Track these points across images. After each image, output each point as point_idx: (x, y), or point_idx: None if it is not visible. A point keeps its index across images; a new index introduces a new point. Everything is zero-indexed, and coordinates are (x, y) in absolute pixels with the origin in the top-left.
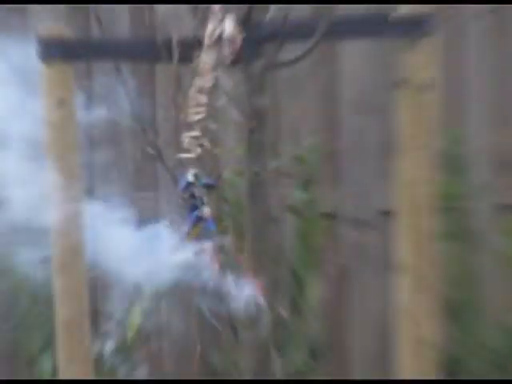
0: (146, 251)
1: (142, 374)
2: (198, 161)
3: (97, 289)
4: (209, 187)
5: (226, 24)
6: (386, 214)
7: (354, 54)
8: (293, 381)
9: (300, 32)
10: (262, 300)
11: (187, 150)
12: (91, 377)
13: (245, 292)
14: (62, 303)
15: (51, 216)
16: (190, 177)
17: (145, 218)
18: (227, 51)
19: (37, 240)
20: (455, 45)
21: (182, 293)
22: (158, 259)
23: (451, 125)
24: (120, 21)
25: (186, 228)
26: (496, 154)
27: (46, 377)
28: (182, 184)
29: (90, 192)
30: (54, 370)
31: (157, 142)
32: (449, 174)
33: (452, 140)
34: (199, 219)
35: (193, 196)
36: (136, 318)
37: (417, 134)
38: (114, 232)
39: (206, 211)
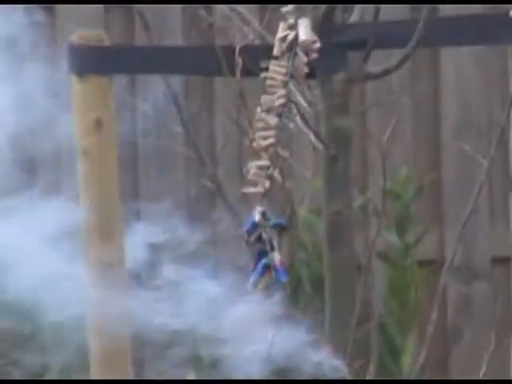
0: (201, 309)
1: None
2: (267, 196)
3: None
4: (280, 229)
5: (300, 28)
6: (501, 261)
7: (460, 64)
8: (295, 381)
9: (392, 37)
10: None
11: (253, 183)
12: None
13: (319, 358)
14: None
15: (86, 265)
16: (256, 216)
17: (201, 268)
18: (302, 61)
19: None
20: None
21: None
22: (216, 317)
23: None
24: (171, 25)
25: (251, 279)
26: None
27: None
28: (248, 225)
29: (133, 237)
30: None
31: (216, 172)
32: None
33: None
34: (268, 268)
35: (260, 239)
36: None
37: None
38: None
39: (277, 258)
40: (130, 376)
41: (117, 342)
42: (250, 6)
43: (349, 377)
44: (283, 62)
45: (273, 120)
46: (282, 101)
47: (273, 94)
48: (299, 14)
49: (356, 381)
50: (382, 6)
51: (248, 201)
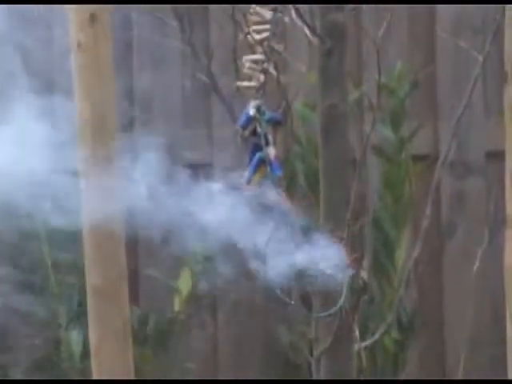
0: (196, 202)
1: (192, 348)
2: (262, 90)
3: (137, 248)
4: (274, 123)
5: None
6: (495, 155)
7: None
8: (302, 381)
9: None
10: (349, 265)
11: (248, 77)
12: (130, 355)
13: (325, 254)
14: (94, 266)
15: (81, 160)
16: (251, 110)
17: (196, 162)
18: None
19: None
20: None
21: (240, 254)
22: (211, 211)
23: None
24: None
25: (246, 173)
26: None
27: (76, 357)
28: (242, 119)
29: (129, 129)
30: (85, 347)
31: (210, 66)
32: None
33: None
34: (263, 162)
35: (255, 134)
36: (187, 283)
37: None
38: (155, 181)
39: (271, 152)
40: (125, 271)
41: (111, 238)
42: None
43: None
44: None
45: (267, 13)
46: None
47: None
48: None
49: (356, 381)
50: None
51: (243, 95)
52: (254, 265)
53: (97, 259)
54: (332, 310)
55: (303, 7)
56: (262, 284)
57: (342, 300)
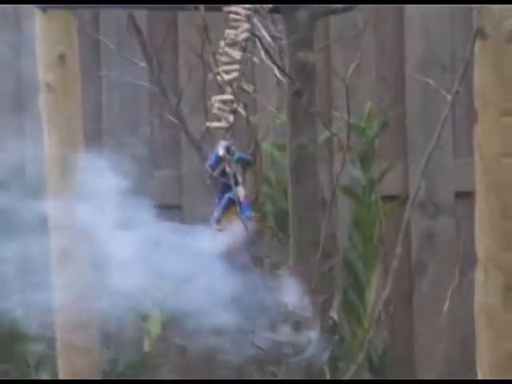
0: (164, 244)
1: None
2: (231, 131)
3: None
4: (244, 163)
5: None
6: (465, 195)
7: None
8: (295, 381)
9: None
10: (307, 303)
11: (217, 118)
12: None
13: (286, 294)
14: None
15: (49, 201)
16: (220, 151)
17: (165, 203)
18: None
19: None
20: None
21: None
22: (179, 254)
23: None
24: None
25: (215, 213)
26: None
27: None
28: (211, 159)
29: (96, 170)
30: None
31: (180, 107)
32: None
33: None
34: (232, 202)
35: (224, 174)
36: (156, 325)
37: (499, 96)
38: (124, 221)
39: (241, 193)
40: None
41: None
42: None
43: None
44: None
45: (237, 54)
46: (245, 35)
47: (237, 28)
48: None
49: (356, 381)
50: None
51: (212, 135)
52: (220, 309)
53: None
54: (302, 352)
55: (273, 47)
56: (231, 329)
57: (312, 342)
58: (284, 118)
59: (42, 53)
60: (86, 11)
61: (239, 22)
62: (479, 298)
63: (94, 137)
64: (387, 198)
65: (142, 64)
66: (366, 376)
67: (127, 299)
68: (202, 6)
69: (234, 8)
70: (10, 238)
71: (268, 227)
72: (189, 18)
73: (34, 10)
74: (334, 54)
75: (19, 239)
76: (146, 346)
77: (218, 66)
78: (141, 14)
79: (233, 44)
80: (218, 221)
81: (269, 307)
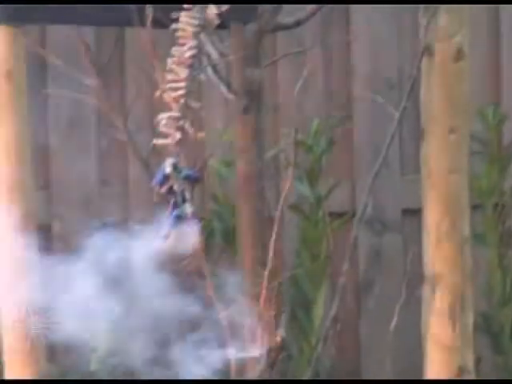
0: (111, 260)
1: None
2: (178, 148)
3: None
4: (191, 180)
5: None
6: (412, 213)
7: (371, 16)
8: (293, 381)
9: None
10: (254, 320)
11: (164, 135)
12: None
13: (234, 312)
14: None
15: None
16: (167, 168)
17: (112, 218)
18: (213, 12)
19: None
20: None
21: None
22: (128, 269)
23: (489, 102)
24: None
25: (163, 231)
26: None
27: None
28: (159, 177)
29: (45, 187)
30: None
31: (127, 124)
32: (486, 164)
33: (491, 122)
34: (179, 220)
35: (171, 191)
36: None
37: (445, 114)
38: (69, 235)
39: (188, 210)
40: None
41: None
42: None
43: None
44: (194, 13)
45: (184, 71)
46: (192, 52)
47: (184, 45)
48: None
49: (356, 381)
50: None
51: (159, 152)
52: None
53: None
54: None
55: (219, 64)
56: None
57: (259, 359)
58: (231, 134)
59: None
60: (34, 28)
61: (186, 39)
62: (426, 314)
63: (42, 153)
64: (334, 215)
65: (90, 81)
66: None
67: (74, 317)
68: (149, 23)
69: (181, 25)
70: None
71: (215, 244)
72: (136, 36)
73: None
74: (280, 71)
75: None
76: (93, 365)
77: (165, 83)
78: (88, 30)
79: (180, 61)
80: (166, 237)
81: (216, 324)
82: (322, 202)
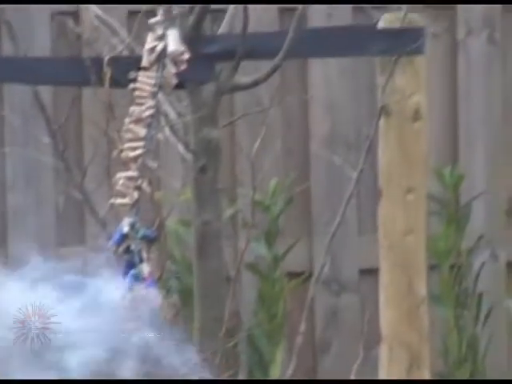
0: (69, 321)
1: None
2: (136, 207)
3: None
4: (149, 240)
5: (168, 39)
6: (369, 273)
7: (329, 76)
8: (292, 381)
9: (261, 48)
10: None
11: (122, 194)
12: None
13: (190, 371)
14: None
15: None
16: (125, 227)
17: (68, 280)
18: (170, 72)
19: None
20: (451, 64)
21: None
22: (84, 330)
23: (446, 162)
24: (38, 35)
25: (119, 291)
26: (502, 200)
27: None
28: (116, 236)
29: (1, 244)
30: None
31: (84, 183)
32: (443, 224)
33: (448, 181)
34: (136, 280)
35: (129, 251)
36: None
37: (403, 174)
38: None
39: (145, 270)
40: None
41: None
42: (118, 16)
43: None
44: (152, 73)
45: (141, 131)
46: (150, 112)
47: (141, 104)
48: (168, 25)
49: (356, 381)
50: (251, 17)
51: (117, 212)
52: None
53: None
54: None
55: (177, 123)
56: None
57: None
58: (189, 194)
59: None
60: None
61: (144, 98)
62: (383, 374)
63: None
64: (292, 275)
65: (47, 140)
66: None
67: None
68: (106, 82)
69: (138, 85)
70: None
71: (172, 304)
72: (94, 94)
73: None
74: (238, 130)
75: None
76: None
77: (122, 143)
78: (45, 89)
79: (137, 121)
80: (123, 298)
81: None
82: (279, 261)
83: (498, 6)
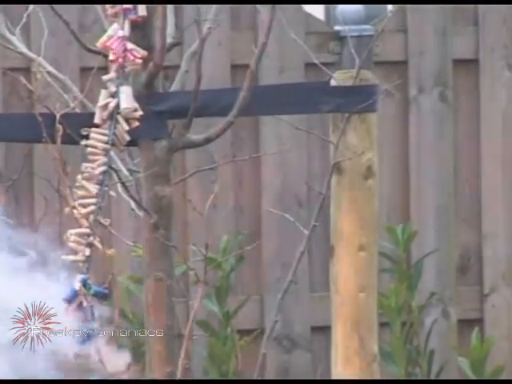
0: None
1: None
2: (87, 264)
3: None
4: (100, 297)
5: (121, 96)
6: (320, 330)
7: (281, 133)
8: (291, 381)
9: (213, 105)
10: None
11: (73, 251)
12: None
13: None
14: None
15: None
16: (76, 284)
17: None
18: (123, 129)
19: None
20: (403, 122)
21: None
22: None
23: (397, 219)
24: None
25: (72, 348)
26: (453, 257)
27: None
28: (68, 293)
29: None
30: None
31: (36, 240)
32: (395, 281)
33: (400, 239)
34: (88, 336)
35: (81, 308)
36: None
37: (355, 231)
38: None
39: (96, 327)
40: None
41: None
42: (70, 72)
43: None
44: (104, 130)
45: (94, 188)
46: (102, 168)
47: (94, 161)
48: (120, 82)
49: (357, 381)
50: (203, 74)
51: (68, 269)
52: None
53: None
54: None
55: (130, 181)
56: None
57: None
58: (140, 251)
59: None
60: None
61: (96, 155)
62: None
63: None
64: (243, 332)
65: None
66: None
67: None
68: (58, 139)
69: (91, 141)
70: None
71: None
72: (45, 151)
73: None
74: (190, 187)
75: None
76: None
77: (74, 200)
78: None
79: (90, 177)
80: (77, 355)
81: None
82: (230, 318)
83: (450, 65)
